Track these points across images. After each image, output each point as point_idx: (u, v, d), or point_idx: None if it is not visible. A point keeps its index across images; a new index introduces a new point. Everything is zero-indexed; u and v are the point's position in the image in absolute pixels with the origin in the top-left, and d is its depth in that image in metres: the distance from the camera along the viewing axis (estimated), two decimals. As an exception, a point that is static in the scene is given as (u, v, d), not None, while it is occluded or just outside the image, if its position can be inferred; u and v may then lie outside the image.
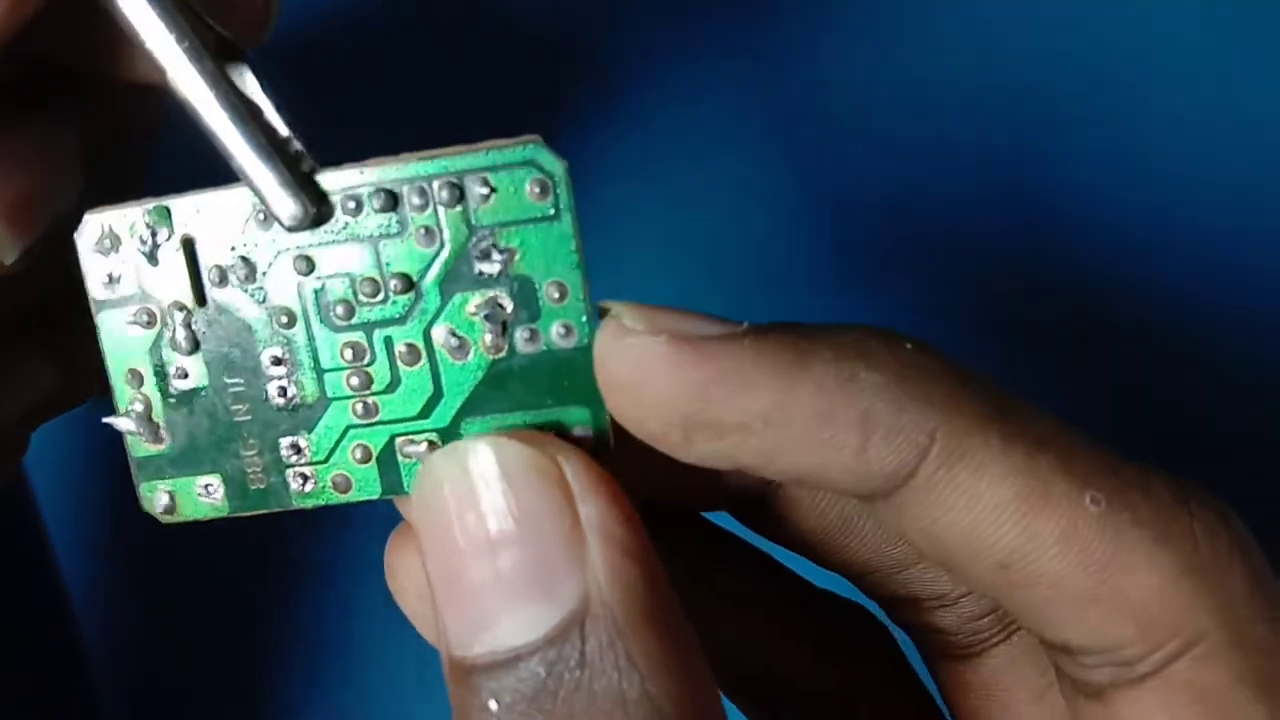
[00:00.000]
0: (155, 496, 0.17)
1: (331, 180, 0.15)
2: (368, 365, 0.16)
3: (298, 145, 0.15)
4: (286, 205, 0.15)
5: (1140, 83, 0.33)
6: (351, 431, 0.16)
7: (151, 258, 0.16)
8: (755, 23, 0.32)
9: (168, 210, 0.16)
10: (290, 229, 0.15)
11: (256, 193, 0.15)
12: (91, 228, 0.16)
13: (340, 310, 0.16)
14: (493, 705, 0.13)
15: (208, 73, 0.14)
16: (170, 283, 0.16)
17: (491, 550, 0.14)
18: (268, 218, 0.16)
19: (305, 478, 0.16)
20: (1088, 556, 0.13)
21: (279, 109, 0.15)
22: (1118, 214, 0.33)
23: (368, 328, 0.16)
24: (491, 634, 0.13)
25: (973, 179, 0.33)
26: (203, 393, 0.16)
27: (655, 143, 0.32)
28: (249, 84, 0.15)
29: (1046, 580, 0.13)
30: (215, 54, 0.15)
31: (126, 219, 0.16)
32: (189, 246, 0.16)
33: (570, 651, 0.13)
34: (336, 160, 0.16)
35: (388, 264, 0.15)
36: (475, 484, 0.14)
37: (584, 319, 0.15)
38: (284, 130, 0.15)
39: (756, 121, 0.32)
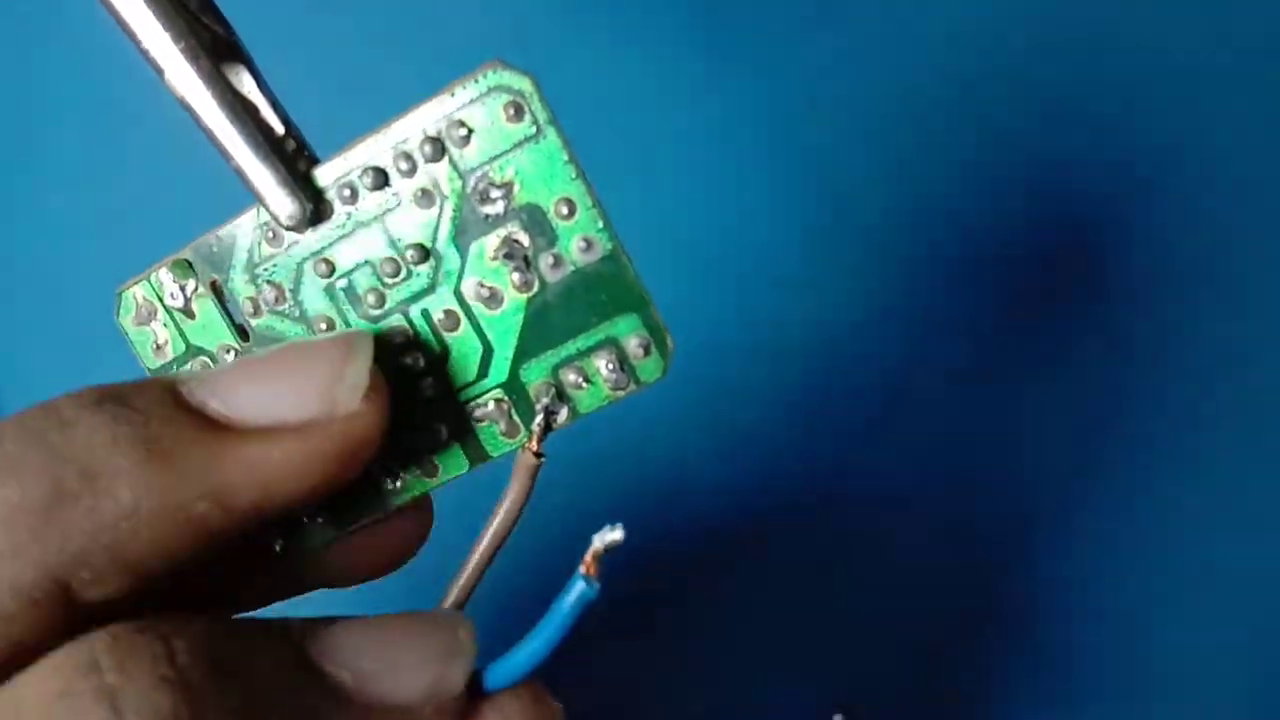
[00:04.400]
0: (269, 538, 0.17)
1: (323, 175, 0.15)
2: (415, 345, 0.16)
3: (294, 143, 0.15)
4: (284, 204, 0.15)
5: (1144, 82, 0.32)
6: (421, 415, 0.16)
7: (187, 312, 0.16)
8: (750, 20, 0.32)
9: (187, 262, 0.16)
10: (289, 228, 0.15)
11: (254, 192, 0.15)
12: (127, 303, 0.17)
13: (372, 299, 0.16)
14: None
15: (204, 72, 0.14)
16: (211, 329, 0.16)
17: None
18: (276, 235, 0.16)
19: (393, 474, 0.16)
20: None
21: (276, 107, 0.15)
22: (1121, 215, 0.32)
23: (403, 306, 0.16)
24: None
25: (973, 177, 0.32)
26: (275, 424, 0.17)
27: (647, 139, 0.31)
28: (245, 83, 0.15)
29: None
30: (211, 53, 0.15)
31: (153, 283, 0.16)
32: (217, 289, 0.16)
33: None
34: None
35: (399, 239, 0.15)
36: None
37: (600, 226, 0.15)
38: (280, 129, 0.15)
39: (751, 119, 0.32)
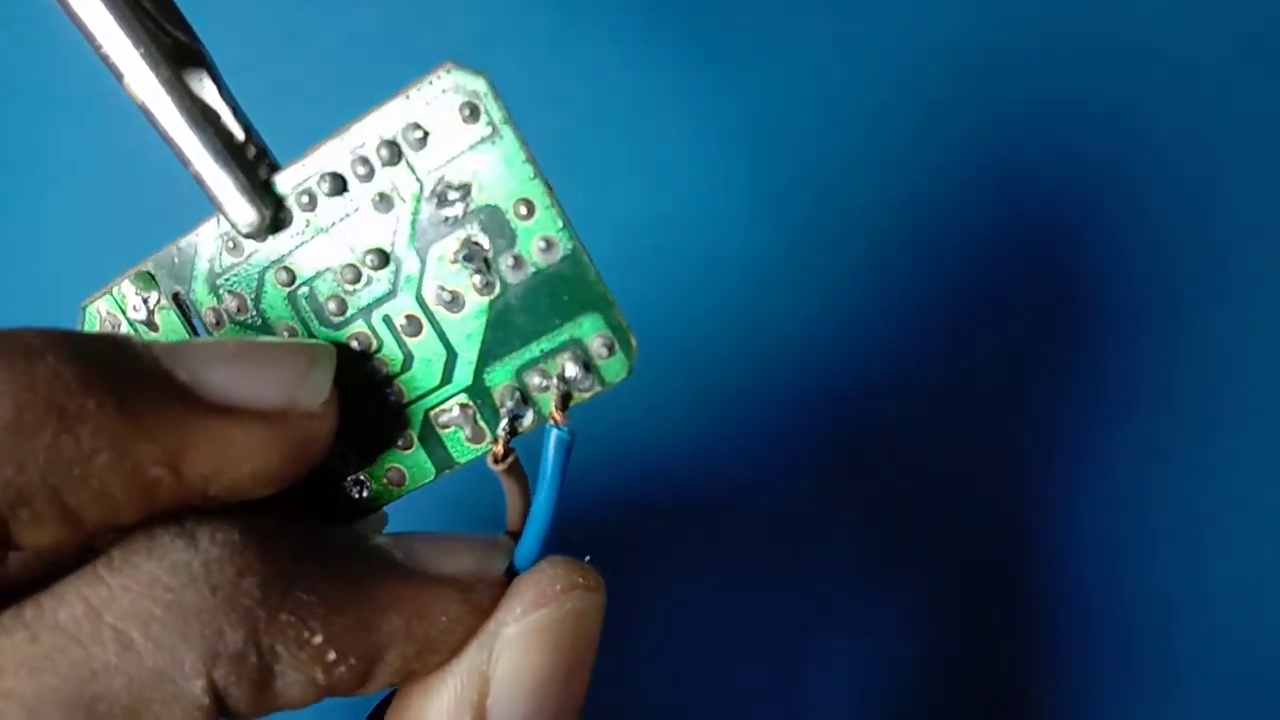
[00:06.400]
0: None
1: (283, 181, 0.15)
2: (378, 352, 0.16)
3: (255, 150, 0.15)
4: (243, 212, 0.15)
5: (1140, 83, 0.32)
6: (386, 422, 0.16)
7: (150, 324, 0.16)
8: (730, 17, 0.32)
9: (149, 274, 0.16)
10: (249, 236, 0.15)
11: (213, 200, 0.15)
12: (90, 318, 0.16)
13: (333, 306, 0.16)
14: None
15: (164, 79, 0.14)
16: (174, 340, 0.16)
17: None
18: (236, 244, 0.16)
19: (360, 484, 0.16)
20: None
21: (237, 113, 0.15)
22: (1115, 215, 0.32)
23: (364, 313, 0.16)
24: None
25: (963, 178, 0.32)
26: (240, 436, 0.16)
27: (637, 141, 0.31)
28: (207, 89, 0.15)
29: None
30: (172, 58, 0.15)
31: (116, 296, 0.16)
32: (179, 300, 0.16)
33: None
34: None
35: (358, 245, 0.15)
36: None
37: (560, 226, 0.15)
38: (241, 135, 0.15)
39: (741, 123, 0.32)
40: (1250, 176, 0.32)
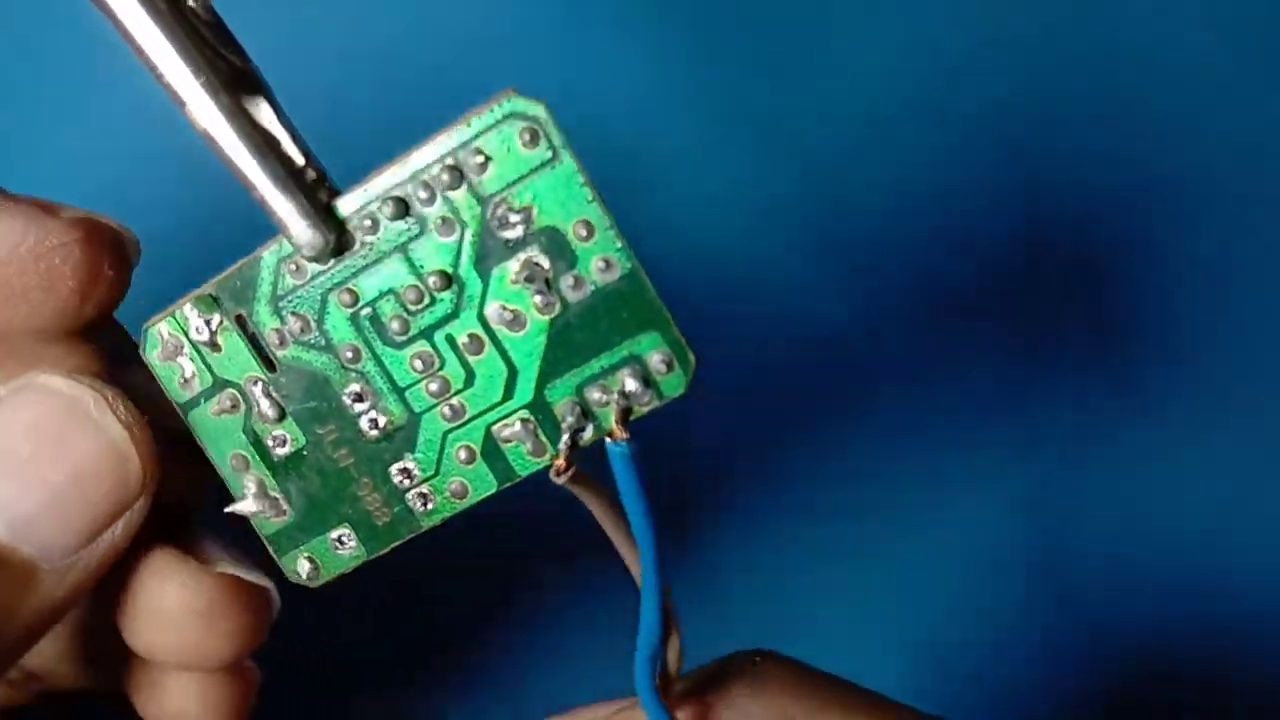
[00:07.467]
0: (298, 566, 0.17)
1: (344, 205, 0.16)
2: (440, 370, 0.16)
3: (315, 174, 0.16)
4: (306, 235, 0.15)
5: (1142, 80, 0.32)
6: (449, 437, 0.16)
7: (213, 345, 0.17)
8: (752, 25, 0.32)
9: (212, 297, 0.16)
10: (311, 259, 0.15)
11: (277, 223, 0.15)
12: (153, 339, 0.17)
13: (396, 326, 0.16)
14: None
15: (224, 106, 0.15)
16: (237, 361, 0.17)
17: None
18: (299, 267, 0.16)
19: (424, 496, 0.17)
20: None
21: (296, 138, 0.15)
22: (1116, 213, 0.33)
23: (427, 333, 0.16)
24: None
25: (966, 179, 0.32)
26: (304, 452, 0.17)
27: (644, 140, 0.32)
28: (265, 115, 0.15)
29: None
30: (231, 85, 0.15)
31: (178, 319, 0.17)
32: (242, 323, 0.16)
33: None
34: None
35: (421, 266, 0.16)
36: None
37: (619, 246, 0.15)
38: (300, 160, 0.15)
39: (744, 122, 0.32)
40: (1250, 176, 0.32)
